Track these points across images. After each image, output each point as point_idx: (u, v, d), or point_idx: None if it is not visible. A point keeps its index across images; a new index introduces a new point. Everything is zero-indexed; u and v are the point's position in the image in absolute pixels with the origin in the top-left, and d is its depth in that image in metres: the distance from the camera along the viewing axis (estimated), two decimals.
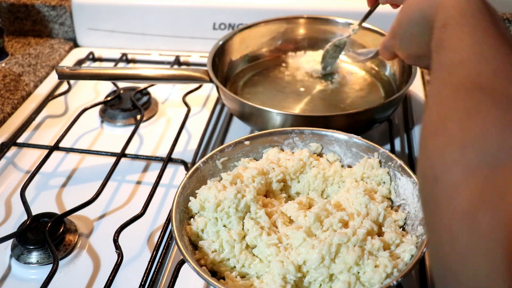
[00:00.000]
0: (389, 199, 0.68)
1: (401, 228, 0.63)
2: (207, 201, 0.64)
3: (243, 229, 0.62)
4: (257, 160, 0.73)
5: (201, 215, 0.65)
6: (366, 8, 1.10)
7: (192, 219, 0.65)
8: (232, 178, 0.68)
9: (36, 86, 1.08)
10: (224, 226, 0.63)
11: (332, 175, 0.70)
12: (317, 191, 0.70)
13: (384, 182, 0.69)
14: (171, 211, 0.63)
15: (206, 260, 0.60)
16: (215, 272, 0.60)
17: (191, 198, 0.66)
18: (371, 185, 0.68)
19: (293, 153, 0.73)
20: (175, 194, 0.65)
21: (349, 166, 0.73)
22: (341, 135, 0.72)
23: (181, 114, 0.97)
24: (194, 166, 0.69)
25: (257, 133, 0.74)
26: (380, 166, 0.70)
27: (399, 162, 0.67)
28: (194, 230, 0.63)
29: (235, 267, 0.60)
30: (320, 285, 0.57)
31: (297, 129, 0.74)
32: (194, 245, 0.63)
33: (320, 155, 0.74)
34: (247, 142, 0.73)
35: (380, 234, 0.62)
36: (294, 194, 0.71)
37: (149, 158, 0.87)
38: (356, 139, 0.72)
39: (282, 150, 0.75)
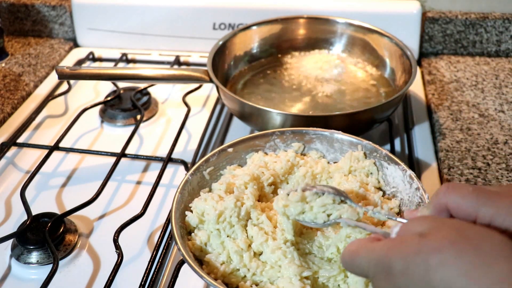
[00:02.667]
0: (379, 189, 0.68)
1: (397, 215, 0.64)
2: (205, 213, 0.63)
3: (247, 237, 0.61)
4: (241, 166, 0.73)
5: (200, 228, 0.64)
6: (366, 7, 1.11)
7: (192, 234, 0.63)
8: (226, 187, 0.66)
9: (36, 86, 1.08)
10: (228, 236, 0.62)
11: (320, 172, 0.70)
12: None
13: (371, 173, 0.69)
14: (172, 229, 0.60)
15: (216, 273, 0.58)
16: (226, 284, 0.59)
17: (187, 212, 0.64)
18: (360, 177, 0.69)
19: (277, 155, 0.73)
20: (171, 211, 0.62)
21: (334, 162, 0.73)
22: (322, 132, 0.72)
23: (181, 114, 0.97)
24: (184, 179, 0.67)
25: (239, 138, 0.73)
26: (366, 158, 0.70)
27: (384, 151, 0.68)
28: (198, 245, 0.61)
29: (245, 276, 0.59)
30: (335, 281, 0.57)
31: (278, 130, 0.73)
32: (198, 260, 0.61)
33: (303, 154, 0.74)
34: (230, 149, 0.72)
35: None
36: None
37: (149, 158, 0.87)
38: (338, 134, 0.72)
39: (266, 153, 0.74)
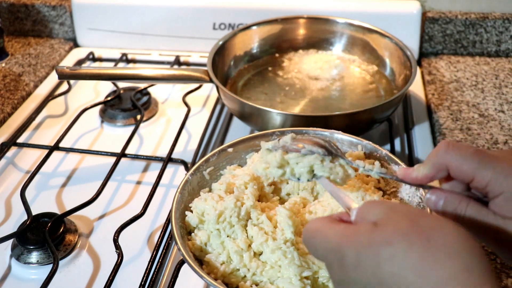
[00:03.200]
0: (379, 189, 0.68)
1: None
2: (205, 213, 0.63)
3: (247, 237, 0.61)
4: (241, 167, 0.72)
5: (200, 228, 0.63)
6: (366, 7, 1.11)
7: (192, 234, 0.63)
8: (226, 187, 0.66)
9: (36, 86, 1.08)
10: (228, 236, 0.62)
11: None
12: (307, 190, 0.69)
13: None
14: (172, 229, 0.60)
15: (216, 273, 0.59)
16: (226, 284, 0.59)
17: (187, 212, 0.64)
18: (360, 177, 0.68)
19: None
20: (171, 211, 0.63)
21: None
22: (322, 132, 0.72)
23: (181, 114, 0.97)
24: (184, 179, 0.67)
25: (239, 138, 0.73)
26: (366, 158, 0.70)
27: (384, 151, 0.68)
28: (198, 245, 0.61)
29: (245, 276, 0.59)
30: None
31: (278, 130, 0.73)
32: (198, 260, 0.61)
33: None
34: (230, 149, 0.72)
35: None
36: (284, 195, 0.70)
37: (149, 158, 0.87)
38: (338, 134, 0.71)
39: None
